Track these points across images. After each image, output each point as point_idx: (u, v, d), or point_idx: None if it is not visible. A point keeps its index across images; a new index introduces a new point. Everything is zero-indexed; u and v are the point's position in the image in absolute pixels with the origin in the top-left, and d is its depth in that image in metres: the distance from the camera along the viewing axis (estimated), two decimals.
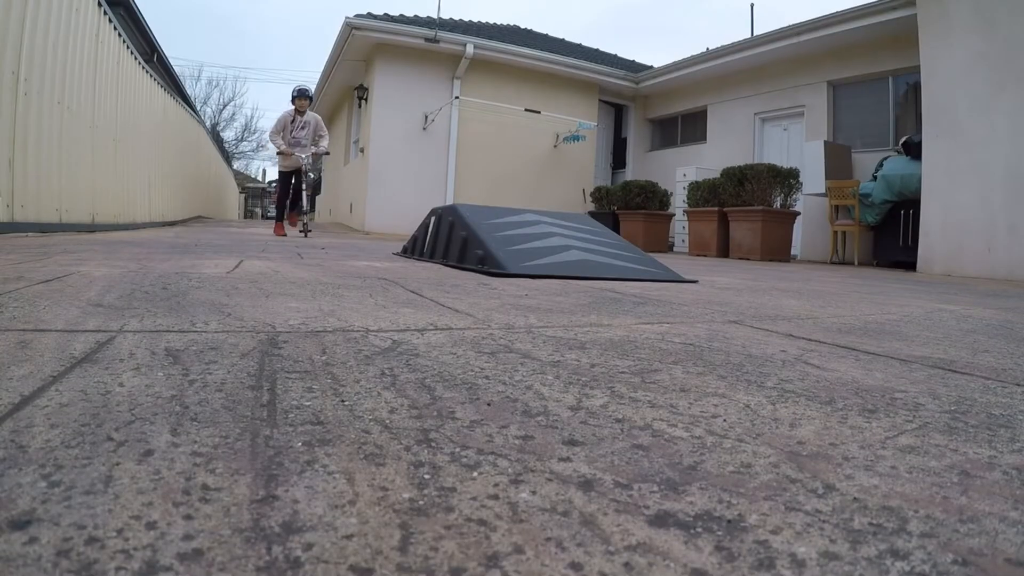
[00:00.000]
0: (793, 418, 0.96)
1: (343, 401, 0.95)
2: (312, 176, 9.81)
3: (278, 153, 9.57)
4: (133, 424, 0.82)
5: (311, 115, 9.72)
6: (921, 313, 2.86)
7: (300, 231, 9.38)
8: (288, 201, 9.75)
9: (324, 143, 9.72)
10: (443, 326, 1.70)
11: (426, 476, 0.67)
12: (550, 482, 0.67)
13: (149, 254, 4.02)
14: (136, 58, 8.97)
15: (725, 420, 0.93)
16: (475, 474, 0.68)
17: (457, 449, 0.76)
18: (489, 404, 0.95)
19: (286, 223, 9.60)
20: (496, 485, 0.66)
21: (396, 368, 1.17)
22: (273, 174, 58.75)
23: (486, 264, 3.90)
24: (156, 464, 0.69)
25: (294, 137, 9.45)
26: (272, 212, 48.34)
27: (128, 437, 0.77)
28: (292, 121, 9.46)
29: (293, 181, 9.64)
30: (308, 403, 0.94)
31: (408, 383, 1.06)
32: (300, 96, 9.52)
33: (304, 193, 9.56)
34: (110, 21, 7.45)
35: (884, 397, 1.15)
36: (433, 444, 0.77)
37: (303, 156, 9.35)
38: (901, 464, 0.79)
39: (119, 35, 7.88)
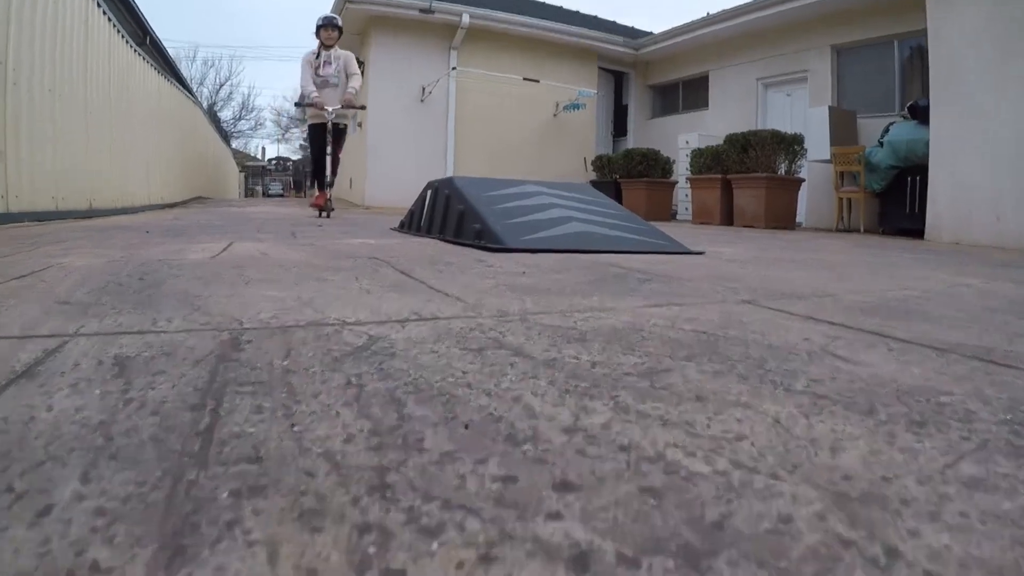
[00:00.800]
0: (833, 438, 0.80)
1: (293, 426, 0.79)
2: (342, 126, 7.70)
3: (297, 104, 7.57)
4: (43, 467, 0.68)
5: (340, 52, 7.71)
6: (941, 288, 2.70)
7: (324, 213, 7.54)
8: (323, 162, 7.58)
9: (355, 82, 7.58)
10: (428, 315, 1.54)
11: (371, 550, 0.51)
12: (532, 558, 0.51)
13: (141, 239, 3.87)
14: (128, 42, 8.72)
15: (753, 444, 0.76)
16: (435, 545, 0.52)
17: (418, 502, 0.60)
18: (467, 426, 0.78)
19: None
20: (460, 566, 0.50)
21: (365, 375, 1.01)
22: (272, 152, 58.38)
23: (483, 239, 3.74)
24: (49, 529, 0.55)
25: (320, 76, 7.51)
26: (273, 189, 47.78)
27: (31, 486, 0.63)
28: (317, 57, 7.56)
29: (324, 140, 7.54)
30: (252, 429, 0.79)
31: (375, 396, 0.90)
32: (326, 26, 7.56)
33: (329, 158, 7.51)
34: (99, 6, 7.28)
35: (930, 402, 0.99)
36: (388, 494, 0.61)
37: (329, 110, 7.29)
38: (971, 508, 0.63)
39: (109, 19, 7.69)
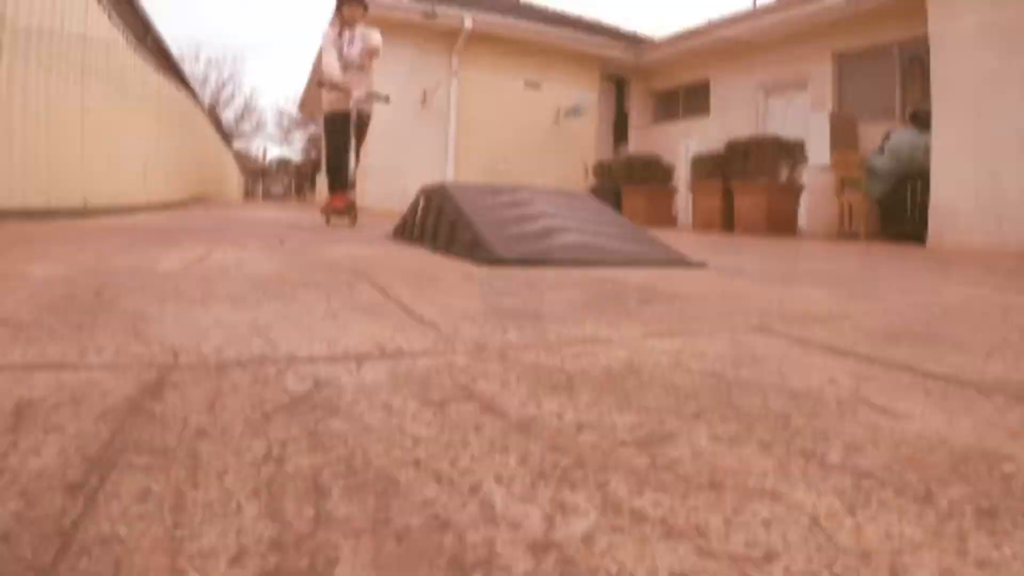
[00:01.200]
0: (891, 549, 0.59)
1: (176, 526, 0.60)
2: (367, 115, 6.83)
3: (319, 83, 6.54)
4: None
5: (364, 29, 6.62)
6: (958, 302, 2.54)
7: (347, 219, 6.62)
8: (345, 158, 6.49)
9: (375, 40, 6.52)
10: (392, 350, 1.33)
11: None
12: None
13: (121, 244, 3.68)
14: (128, 39, 8.62)
15: (788, 568, 0.56)
16: None
17: None
18: (400, 539, 0.58)
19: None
20: None
21: (292, 443, 0.81)
22: (274, 153, 58.05)
23: (475, 250, 3.55)
24: None
25: (344, 58, 6.50)
26: (274, 191, 47.57)
27: None
28: (340, 35, 6.53)
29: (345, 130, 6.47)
30: (124, 530, 0.59)
31: (294, 480, 0.70)
32: (351, 1, 6.52)
33: (353, 152, 6.48)
34: (99, 2, 7.15)
35: (992, 473, 0.80)
36: None
37: (354, 96, 6.39)
38: None
39: (109, 16, 7.58)
